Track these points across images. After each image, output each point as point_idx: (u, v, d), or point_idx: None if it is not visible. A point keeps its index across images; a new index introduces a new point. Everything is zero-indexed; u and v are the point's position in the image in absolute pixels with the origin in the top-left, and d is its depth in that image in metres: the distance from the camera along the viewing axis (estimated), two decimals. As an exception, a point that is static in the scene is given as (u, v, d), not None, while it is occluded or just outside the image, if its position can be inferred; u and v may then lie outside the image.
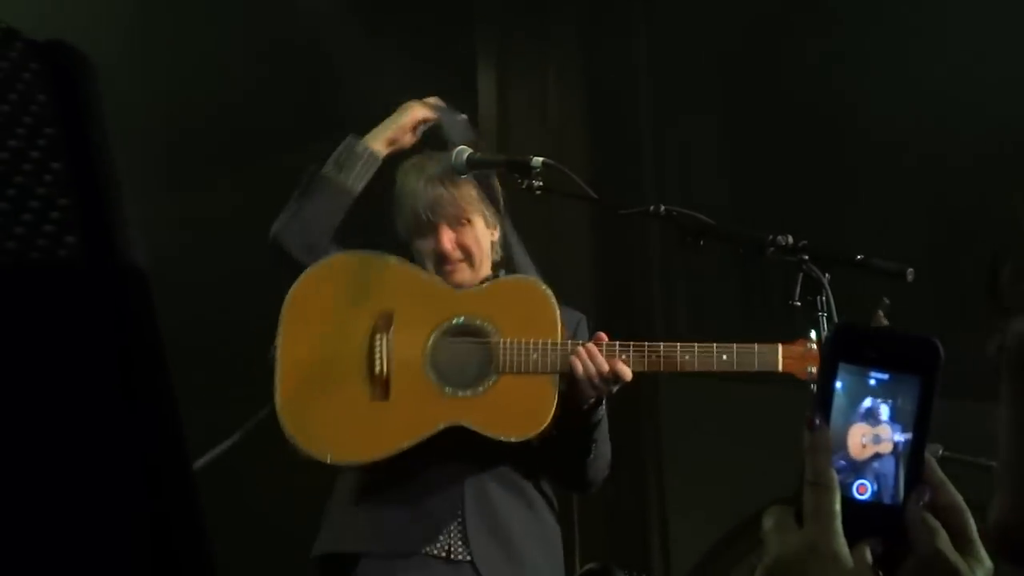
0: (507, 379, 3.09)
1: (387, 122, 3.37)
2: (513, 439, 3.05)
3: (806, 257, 2.92)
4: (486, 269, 3.41)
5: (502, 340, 3.12)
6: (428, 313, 3.14)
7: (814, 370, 3.21)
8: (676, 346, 3.20)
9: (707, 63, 6.23)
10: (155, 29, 5.23)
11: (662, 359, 3.17)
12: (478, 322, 3.15)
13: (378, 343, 3.08)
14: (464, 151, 3.25)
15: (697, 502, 5.81)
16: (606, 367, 3.08)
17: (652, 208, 3.09)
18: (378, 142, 3.34)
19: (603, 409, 3.23)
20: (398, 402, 3.05)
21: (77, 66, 0.87)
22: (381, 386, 3.06)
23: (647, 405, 6.05)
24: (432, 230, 3.31)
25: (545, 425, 3.06)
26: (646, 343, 3.19)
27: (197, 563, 0.73)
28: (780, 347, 3.24)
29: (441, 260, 3.30)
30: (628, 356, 3.15)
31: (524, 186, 3.20)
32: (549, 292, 3.22)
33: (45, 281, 0.78)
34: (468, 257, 3.32)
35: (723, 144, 6.27)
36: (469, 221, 3.35)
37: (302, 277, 3.14)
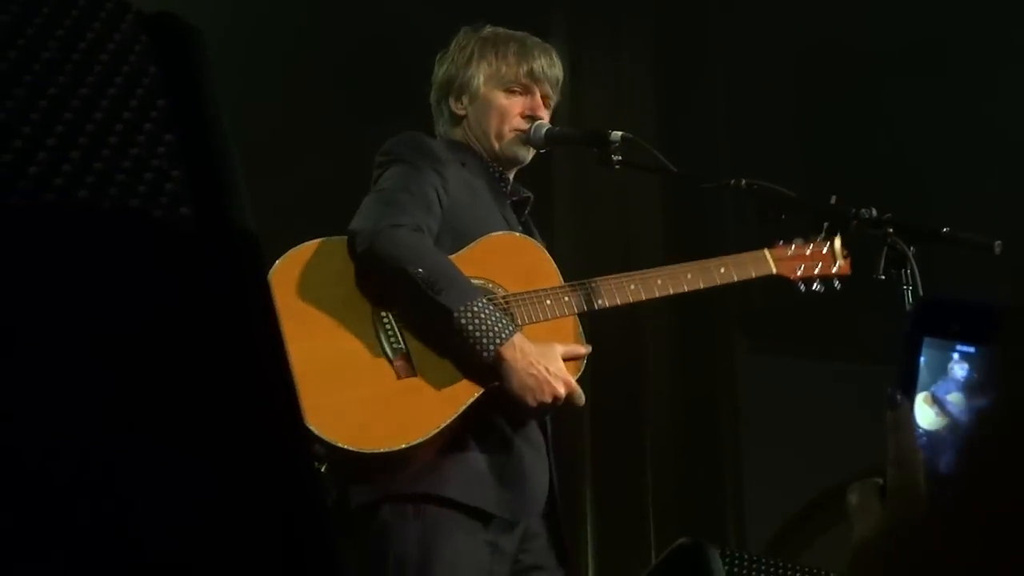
0: (529, 329, 3.01)
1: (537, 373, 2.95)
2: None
3: (891, 230, 2.89)
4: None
5: (509, 293, 3.06)
6: None
7: (803, 270, 3.33)
8: (679, 268, 3.22)
9: (782, 35, 6.16)
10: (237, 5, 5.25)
11: (668, 284, 3.17)
12: (477, 282, 3.04)
13: (386, 320, 2.95)
14: (543, 125, 3.24)
15: (773, 476, 5.78)
16: None
17: (733, 181, 3.07)
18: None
19: None
20: (429, 375, 2.92)
21: (186, 37, 0.87)
22: (403, 362, 2.92)
23: (724, 380, 6.03)
24: (526, 92, 3.28)
25: (585, 364, 3.03)
26: (654, 270, 3.20)
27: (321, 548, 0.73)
28: (766, 251, 3.34)
29: (520, 122, 3.25)
30: (637, 287, 3.15)
31: (602, 161, 3.18)
32: (536, 242, 3.19)
33: (161, 252, 0.78)
34: None
35: (800, 116, 6.21)
36: (548, 108, 3.34)
37: (278, 266, 2.91)
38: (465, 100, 3.30)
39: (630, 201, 5.86)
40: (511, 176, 3.33)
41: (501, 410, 2.99)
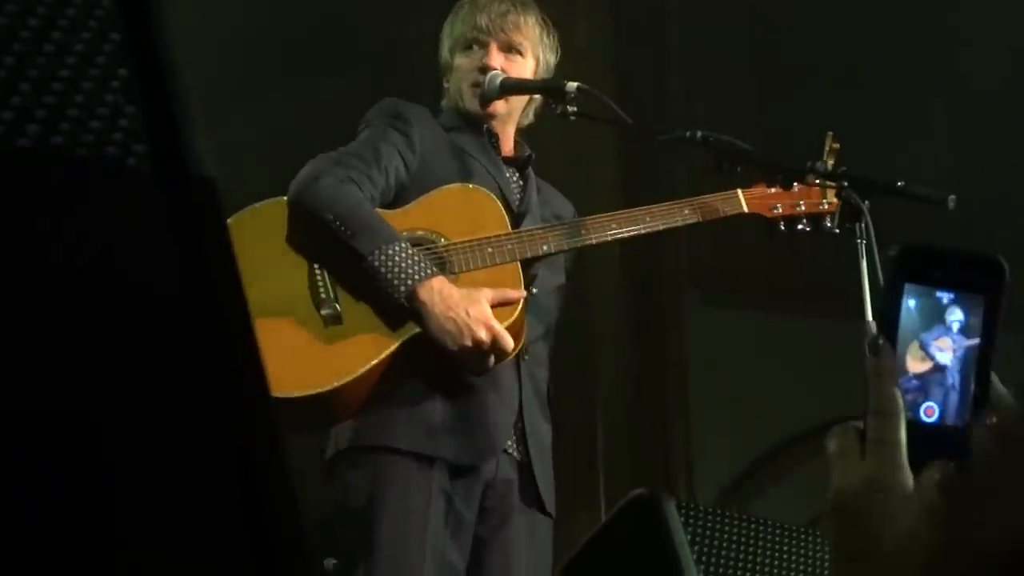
0: (467, 276, 3.01)
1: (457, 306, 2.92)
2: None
3: (845, 183, 2.90)
4: (513, 121, 3.33)
5: (450, 242, 3.05)
6: None
7: (780, 208, 3.17)
8: (636, 211, 3.15)
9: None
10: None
11: (623, 227, 3.12)
12: (420, 233, 3.05)
13: (318, 272, 2.98)
14: (497, 75, 3.20)
15: (722, 428, 5.82)
16: None
17: (689, 134, 3.06)
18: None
19: None
20: (354, 323, 2.93)
21: (141, -30, 0.85)
22: (332, 312, 2.94)
23: (672, 331, 6.05)
24: (481, 46, 3.23)
25: (520, 309, 2.99)
26: (607, 215, 3.16)
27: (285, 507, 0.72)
28: (739, 191, 3.20)
29: (475, 76, 3.21)
30: (587, 232, 3.12)
31: (559, 111, 3.16)
32: (487, 191, 3.16)
33: (115, 189, 0.76)
34: None
35: (756, 69, 6.21)
36: (521, 54, 3.27)
37: (228, 223, 2.94)
38: (445, 73, 3.32)
39: (583, 152, 5.84)
40: (504, 133, 3.31)
41: None
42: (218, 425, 0.72)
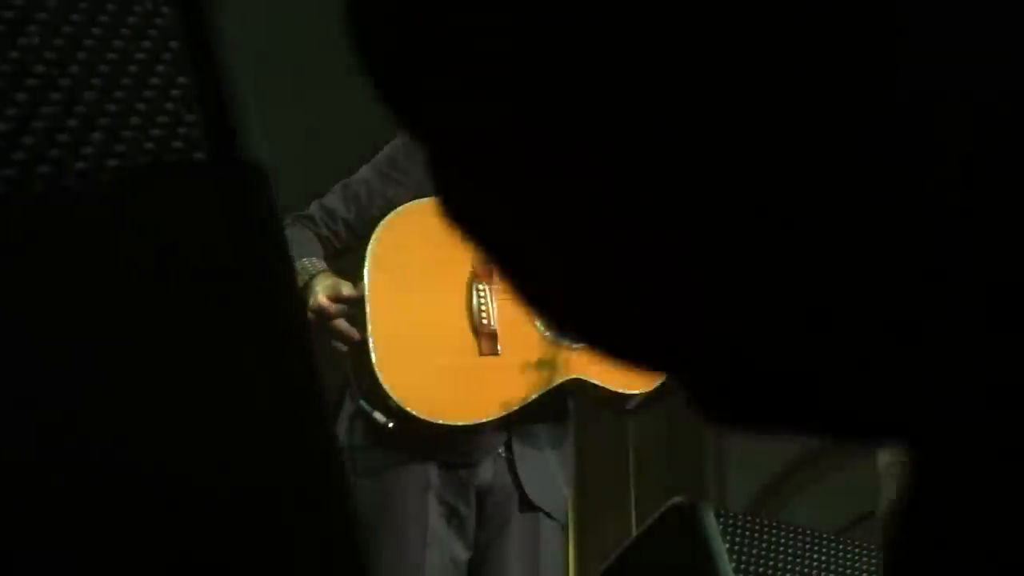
0: None
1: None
2: (636, 392, 2.96)
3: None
4: None
5: None
6: None
7: None
8: None
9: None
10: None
11: None
12: None
13: (481, 293, 2.91)
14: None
15: (754, 438, 5.79)
16: None
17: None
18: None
19: None
20: (511, 356, 2.87)
21: (199, -21, 0.85)
22: (488, 340, 2.87)
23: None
24: None
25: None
26: None
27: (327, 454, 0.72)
28: None
29: None
30: None
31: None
32: None
33: (176, 199, 0.77)
34: None
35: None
36: None
37: (385, 223, 2.88)
38: None
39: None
40: None
41: None
42: (264, 401, 0.73)
